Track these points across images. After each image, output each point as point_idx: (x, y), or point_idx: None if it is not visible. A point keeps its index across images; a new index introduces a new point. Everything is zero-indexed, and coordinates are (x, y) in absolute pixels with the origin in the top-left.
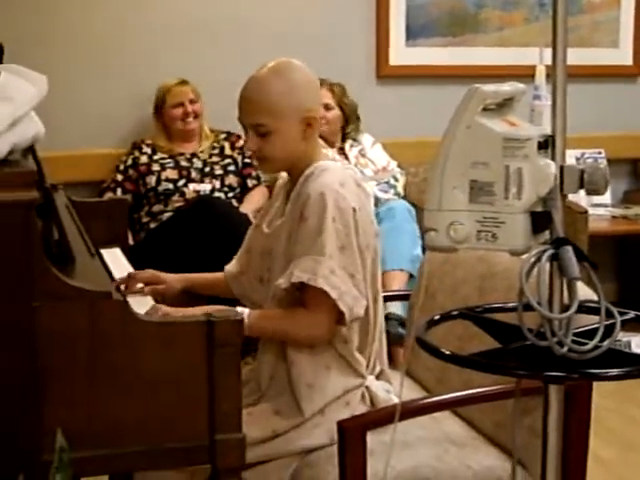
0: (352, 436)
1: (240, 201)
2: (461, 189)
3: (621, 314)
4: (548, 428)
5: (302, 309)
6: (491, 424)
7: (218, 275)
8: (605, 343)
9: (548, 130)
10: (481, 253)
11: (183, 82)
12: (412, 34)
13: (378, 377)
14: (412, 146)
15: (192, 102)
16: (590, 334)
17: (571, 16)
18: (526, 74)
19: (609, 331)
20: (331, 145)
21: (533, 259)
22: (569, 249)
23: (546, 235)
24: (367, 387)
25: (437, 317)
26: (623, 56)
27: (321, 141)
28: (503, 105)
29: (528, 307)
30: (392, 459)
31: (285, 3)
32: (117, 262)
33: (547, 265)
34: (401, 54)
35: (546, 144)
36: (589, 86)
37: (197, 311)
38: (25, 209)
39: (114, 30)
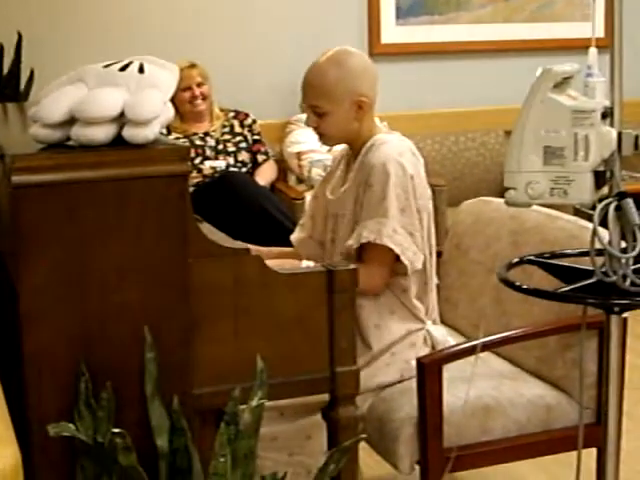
0: (431, 370)
1: (252, 175)
2: (536, 153)
3: None
4: (610, 356)
5: (361, 264)
6: (534, 360)
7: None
8: None
9: (606, 102)
10: (512, 211)
11: (191, 65)
12: (401, 14)
13: (434, 323)
14: (407, 119)
15: (199, 85)
16: None
17: None
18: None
19: None
20: None
21: (601, 209)
22: (630, 201)
23: (604, 190)
24: (428, 331)
25: (515, 261)
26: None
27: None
28: (564, 82)
29: (586, 253)
30: (457, 391)
31: None
32: None
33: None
34: (391, 33)
35: (606, 114)
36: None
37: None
38: (182, 180)
39: (123, 16)
